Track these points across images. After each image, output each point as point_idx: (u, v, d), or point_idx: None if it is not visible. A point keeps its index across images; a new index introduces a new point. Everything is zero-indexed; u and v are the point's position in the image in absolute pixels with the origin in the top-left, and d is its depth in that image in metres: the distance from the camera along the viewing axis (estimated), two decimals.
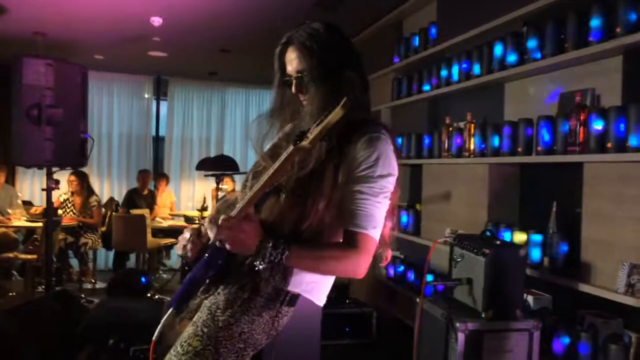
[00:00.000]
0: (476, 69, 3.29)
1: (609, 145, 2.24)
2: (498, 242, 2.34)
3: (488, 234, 2.46)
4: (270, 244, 1.32)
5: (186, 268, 1.54)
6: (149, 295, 5.53)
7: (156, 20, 5.23)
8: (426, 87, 3.91)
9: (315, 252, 1.39)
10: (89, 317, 3.33)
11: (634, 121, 2.13)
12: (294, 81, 1.52)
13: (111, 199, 7.42)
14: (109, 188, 8.09)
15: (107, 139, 8.07)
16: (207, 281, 1.45)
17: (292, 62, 1.51)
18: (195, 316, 1.47)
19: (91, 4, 4.90)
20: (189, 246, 1.51)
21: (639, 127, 2.11)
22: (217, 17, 5.21)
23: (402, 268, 4.23)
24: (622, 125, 2.20)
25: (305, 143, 1.25)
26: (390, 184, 1.42)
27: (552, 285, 2.65)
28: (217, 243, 1.34)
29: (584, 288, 2.36)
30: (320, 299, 1.53)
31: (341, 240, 1.44)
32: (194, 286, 1.42)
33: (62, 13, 5.16)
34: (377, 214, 1.40)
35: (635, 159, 2.13)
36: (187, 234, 1.53)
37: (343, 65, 1.48)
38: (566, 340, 2.40)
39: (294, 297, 1.46)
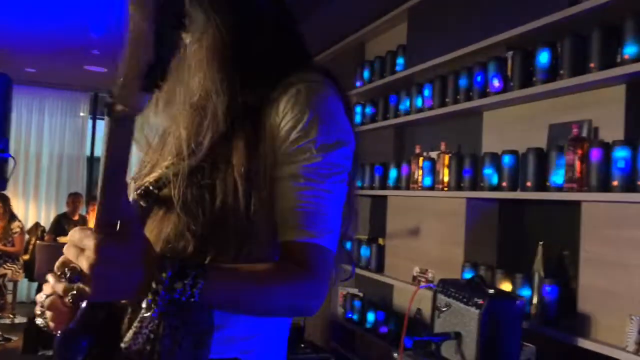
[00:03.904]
0: (451, 95, 3.04)
1: (615, 183, 2.00)
2: (491, 291, 2.04)
3: (477, 280, 2.17)
4: (170, 271, 0.77)
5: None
6: None
7: (95, 31, 4.77)
8: (393, 114, 3.65)
9: (245, 277, 0.84)
10: None
11: None
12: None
13: (36, 225, 6.76)
14: (34, 212, 7.41)
15: (34, 158, 7.42)
16: None
17: None
18: None
19: (21, 10, 4.40)
20: (47, 312, 0.90)
21: None
22: None
23: (360, 308, 3.90)
24: (629, 162, 1.97)
25: (119, 105, 0.72)
26: (344, 157, 0.93)
27: (533, 334, 2.38)
28: (69, 296, 0.78)
29: (584, 343, 2.09)
30: None
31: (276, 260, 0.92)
32: None
33: None
34: (330, 210, 0.90)
35: None
36: (46, 289, 0.90)
37: None
38: None
39: None
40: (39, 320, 0.95)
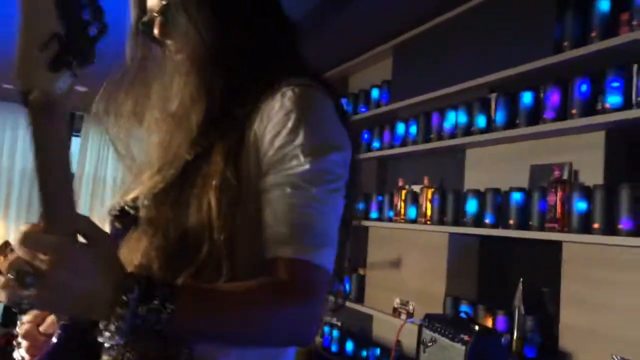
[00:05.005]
0: (435, 132, 3.13)
1: (596, 225, 2.09)
2: (477, 328, 2.09)
3: (463, 315, 2.22)
4: (137, 289, 0.67)
5: None
6: None
7: None
8: (376, 145, 3.71)
9: (224, 300, 0.74)
10: None
11: (625, 202, 2.00)
12: (156, 18, 0.90)
13: (6, 243, 6.57)
14: (4, 229, 7.22)
15: (6, 173, 7.26)
16: None
17: None
18: None
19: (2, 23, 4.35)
20: (22, 342, 0.87)
21: (634, 208, 1.98)
22: None
23: (339, 337, 3.91)
24: (609, 205, 2.06)
25: (34, 93, 0.61)
26: (336, 164, 0.83)
27: None
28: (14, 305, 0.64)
29: None
30: None
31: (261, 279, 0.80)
32: None
33: None
34: (323, 222, 0.80)
35: (627, 243, 1.98)
36: (25, 317, 0.88)
37: None
38: None
39: None
40: (15, 354, 0.87)
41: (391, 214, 3.40)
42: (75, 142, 7.89)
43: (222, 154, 0.81)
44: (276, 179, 0.80)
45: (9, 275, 0.63)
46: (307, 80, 0.87)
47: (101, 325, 0.67)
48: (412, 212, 3.20)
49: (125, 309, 0.66)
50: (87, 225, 0.69)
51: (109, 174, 7.89)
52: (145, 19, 0.92)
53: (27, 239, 0.64)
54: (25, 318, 0.87)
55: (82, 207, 7.72)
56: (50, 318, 0.87)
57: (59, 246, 0.64)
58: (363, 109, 3.92)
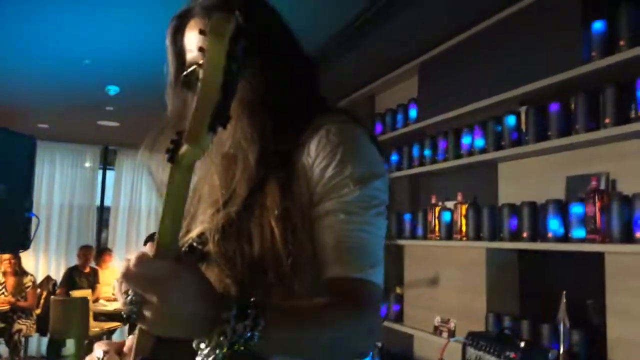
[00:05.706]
0: (465, 147, 3.13)
1: (638, 235, 2.06)
2: (522, 344, 2.07)
3: (507, 331, 2.19)
4: (235, 310, 0.73)
5: None
6: None
7: (112, 90, 4.91)
8: (406, 163, 3.72)
9: (304, 316, 0.82)
10: None
11: None
12: (200, 70, 0.97)
13: (47, 278, 6.75)
14: (45, 264, 7.40)
15: (45, 210, 7.46)
16: None
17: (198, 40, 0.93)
18: None
19: (40, 72, 4.54)
20: None
21: None
22: None
23: (380, 359, 3.88)
24: None
25: (187, 148, 0.71)
26: (380, 190, 0.92)
27: None
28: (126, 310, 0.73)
29: None
30: None
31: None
32: None
33: (4, 80, 4.78)
34: (374, 243, 0.90)
35: None
36: (98, 353, 0.94)
37: (271, 36, 0.98)
38: None
39: None
40: None
41: (423, 231, 3.39)
42: (110, 176, 8.09)
43: (276, 187, 0.90)
44: (330, 205, 0.89)
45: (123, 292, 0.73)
46: (344, 116, 0.97)
47: (198, 344, 0.74)
48: (447, 229, 3.18)
49: (227, 325, 0.72)
50: (181, 254, 0.79)
51: (143, 205, 8.05)
52: (187, 72, 0.96)
53: (139, 264, 0.72)
54: (100, 346, 0.93)
55: (119, 237, 7.87)
56: (127, 347, 0.93)
57: (169, 270, 0.72)
58: (391, 128, 3.94)
